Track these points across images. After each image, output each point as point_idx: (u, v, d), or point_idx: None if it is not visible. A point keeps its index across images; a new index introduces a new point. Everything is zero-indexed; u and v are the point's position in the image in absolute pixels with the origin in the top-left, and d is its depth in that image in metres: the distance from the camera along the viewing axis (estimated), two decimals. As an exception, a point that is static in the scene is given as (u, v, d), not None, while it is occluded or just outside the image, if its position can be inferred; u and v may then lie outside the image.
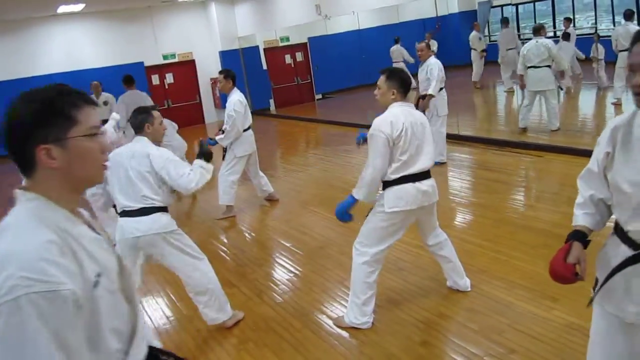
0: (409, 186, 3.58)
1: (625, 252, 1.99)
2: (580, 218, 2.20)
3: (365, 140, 3.83)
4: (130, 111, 9.61)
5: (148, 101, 9.55)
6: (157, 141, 3.88)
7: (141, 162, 3.69)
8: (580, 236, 2.17)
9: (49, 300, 1.20)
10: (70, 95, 1.42)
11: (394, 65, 14.35)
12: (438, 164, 7.22)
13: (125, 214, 3.75)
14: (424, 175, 3.65)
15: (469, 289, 4.06)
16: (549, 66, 8.35)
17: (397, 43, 14.55)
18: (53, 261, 1.24)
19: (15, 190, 1.39)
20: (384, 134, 3.51)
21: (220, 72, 6.70)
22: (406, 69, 7.74)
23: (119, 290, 1.46)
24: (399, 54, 14.45)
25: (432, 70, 7.40)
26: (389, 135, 3.51)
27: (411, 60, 14.46)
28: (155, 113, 3.89)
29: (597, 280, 2.14)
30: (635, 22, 10.98)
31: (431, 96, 7.38)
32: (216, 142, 6.59)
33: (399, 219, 3.65)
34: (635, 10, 11.49)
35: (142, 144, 3.79)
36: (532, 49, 8.36)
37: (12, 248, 1.26)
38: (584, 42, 11.64)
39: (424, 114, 6.31)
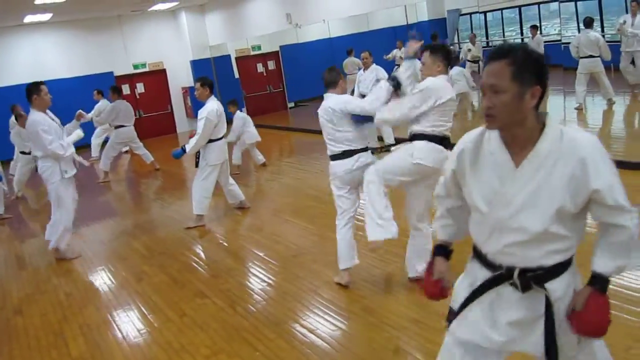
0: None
1: (487, 275, 1.97)
2: (440, 232, 2.25)
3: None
4: (121, 117, 9.91)
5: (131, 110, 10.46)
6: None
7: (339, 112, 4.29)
8: (442, 251, 2.22)
9: None
10: None
11: (349, 77, 14.60)
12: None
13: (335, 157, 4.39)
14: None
15: None
16: None
17: (350, 55, 14.69)
18: None
19: None
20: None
21: (197, 80, 6.71)
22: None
23: None
24: (353, 66, 14.63)
25: (381, 72, 8.96)
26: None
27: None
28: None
29: (450, 310, 2.11)
30: (599, 29, 11.27)
31: None
32: (184, 151, 6.58)
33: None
34: (599, 17, 11.78)
35: (336, 97, 4.37)
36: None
37: None
38: (551, 48, 11.87)
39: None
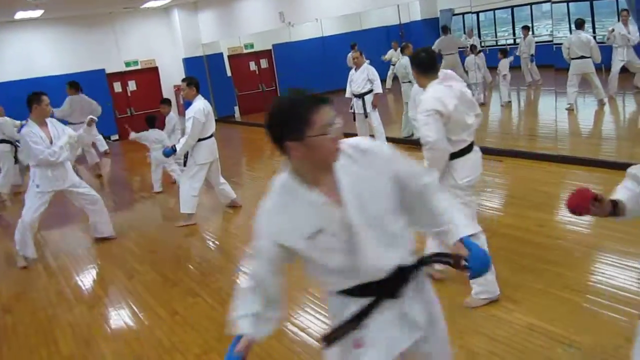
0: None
1: None
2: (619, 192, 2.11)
3: None
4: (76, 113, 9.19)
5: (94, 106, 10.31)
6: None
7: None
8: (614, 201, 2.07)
9: None
10: (305, 101, 1.80)
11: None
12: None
13: None
14: None
15: None
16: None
17: (354, 49, 14.66)
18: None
19: (283, 162, 1.95)
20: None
21: (183, 80, 6.74)
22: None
23: (342, 241, 1.84)
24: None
25: (372, 71, 9.05)
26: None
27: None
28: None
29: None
30: (591, 30, 11.32)
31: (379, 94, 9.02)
32: (175, 151, 6.61)
33: None
34: (590, 19, 11.83)
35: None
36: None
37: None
38: (543, 49, 11.93)
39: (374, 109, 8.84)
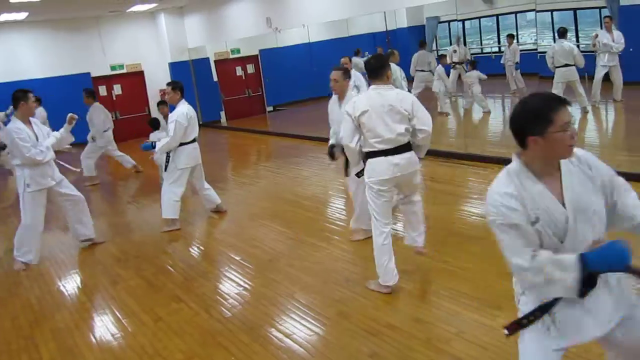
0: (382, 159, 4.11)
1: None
2: None
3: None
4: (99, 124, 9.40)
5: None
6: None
7: None
8: None
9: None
10: (549, 102, 2.05)
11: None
12: None
13: None
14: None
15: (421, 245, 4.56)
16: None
17: (357, 55, 14.75)
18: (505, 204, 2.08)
19: (513, 154, 2.15)
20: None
21: (168, 84, 6.75)
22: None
23: (557, 229, 2.09)
24: (356, 67, 14.63)
25: (359, 78, 8.88)
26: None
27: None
28: None
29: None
30: (574, 39, 11.45)
31: None
32: (153, 147, 6.72)
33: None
34: (574, 27, 11.97)
35: None
36: None
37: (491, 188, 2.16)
38: (528, 57, 12.04)
39: None
